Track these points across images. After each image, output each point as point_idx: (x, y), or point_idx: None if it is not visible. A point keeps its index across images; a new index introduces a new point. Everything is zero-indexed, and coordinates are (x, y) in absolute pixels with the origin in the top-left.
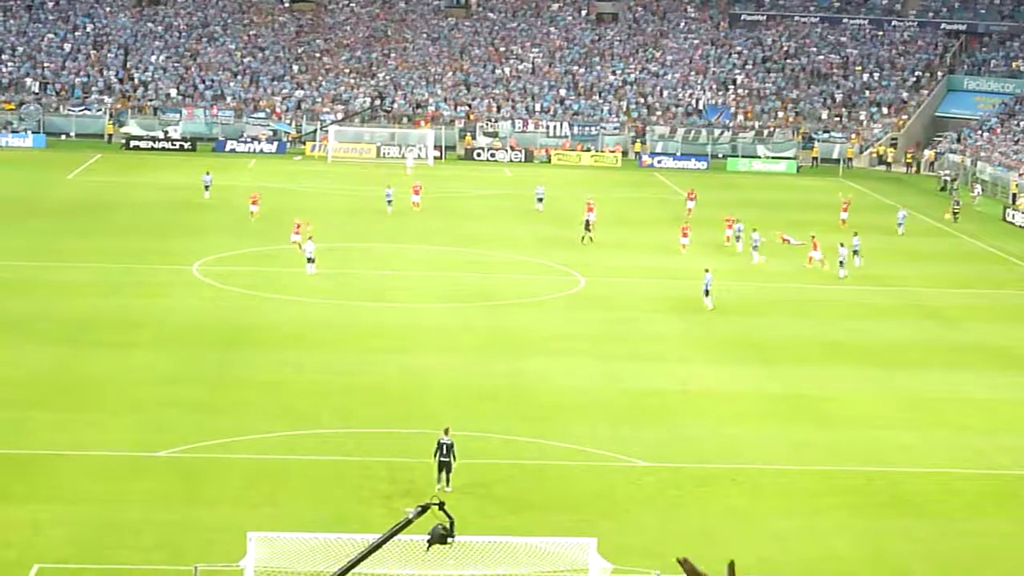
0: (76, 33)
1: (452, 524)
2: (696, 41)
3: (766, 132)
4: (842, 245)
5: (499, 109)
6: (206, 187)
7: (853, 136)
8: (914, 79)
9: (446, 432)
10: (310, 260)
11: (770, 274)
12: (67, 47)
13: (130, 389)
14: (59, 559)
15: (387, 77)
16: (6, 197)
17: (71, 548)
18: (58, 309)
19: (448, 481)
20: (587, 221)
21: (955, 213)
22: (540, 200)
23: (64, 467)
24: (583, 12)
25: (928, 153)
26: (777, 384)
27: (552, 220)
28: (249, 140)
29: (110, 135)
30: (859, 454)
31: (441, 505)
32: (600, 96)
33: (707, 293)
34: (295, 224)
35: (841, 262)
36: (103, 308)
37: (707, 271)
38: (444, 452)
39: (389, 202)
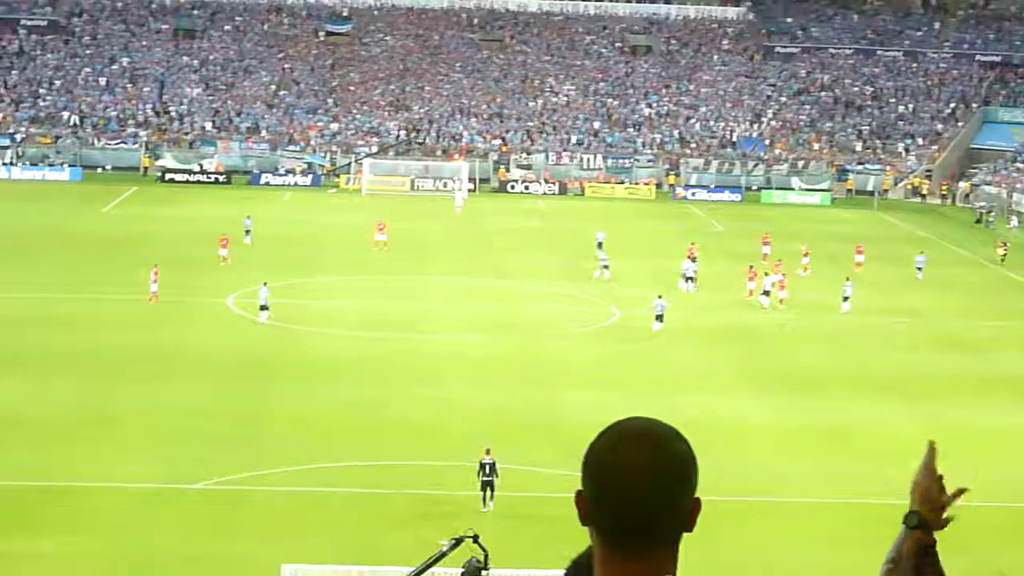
0: (112, 67)
1: (486, 557)
2: (730, 73)
3: (800, 164)
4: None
5: (533, 141)
6: (247, 231)
7: (888, 168)
8: (949, 111)
9: (487, 452)
10: (263, 308)
11: (800, 305)
12: (103, 81)
13: (162, 421)
14: None
15: (421, 110)
16: (42, 230)
17: None
18: (92, 341)
19: (490, 499)
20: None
21: (1003, 255)
22: (600, 245)
23: (96, 499)
24: (617, 44)
25: (963, 185)
26: (811, 415)
27: (586, 252)
28: (284, 173)
29: (146, 168)
30: (894, 486)
31: (475, 538)
32: (634, 128)
33: (659, 319)
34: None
35: (846, 298)
36: (137, 340)
37: (660, 296)
38: (487, 472)
39: (247, 232)
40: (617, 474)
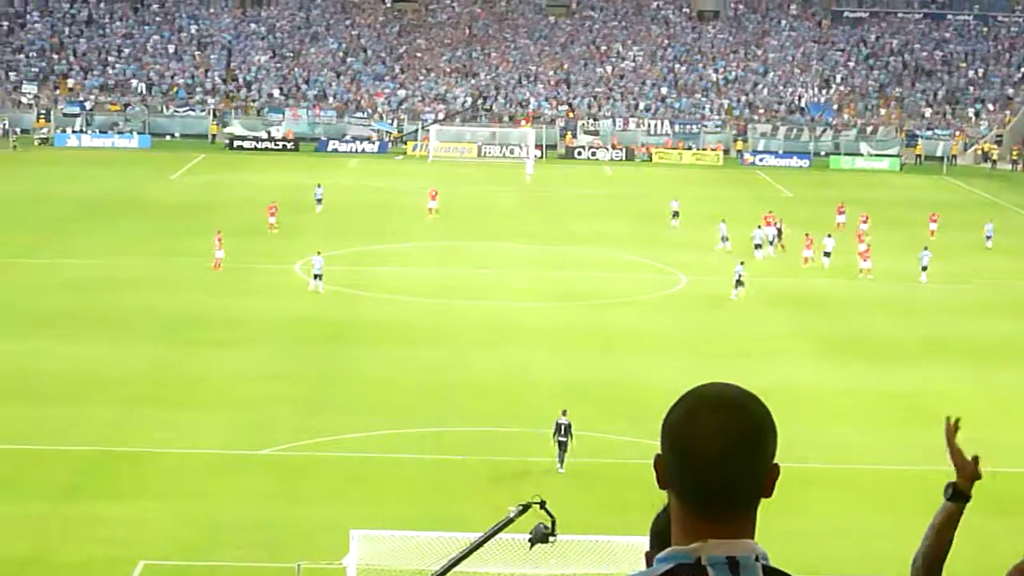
0: (180, 35)
1: (554, 523)
2: (798, 38)
3: (869, 130)
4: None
5: (600, 108)
6: (318, 200)
7: (957, 133)
8: (1020, 75)
9: (564, 413)
10: (317, 276)
11: (872, 272)
12: (172, 48)
13: (233, 387)
14: (163, 556)
15: (488, 76)
16: (112, 197)
17: (175, 545)
18: (163, 307)
19: (563, 461)
20: (779, 230)
21: None
22: (676, 215)
23: (169, 464)
24: (684, 10)
25: None
26: (880, 382)
27: (653, 219)
28: (351, 140)
29: (214, 135)
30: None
31: (543, 504)
32: (701, 94)
33: (739, 283)
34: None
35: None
36: (207, 306)
37: (741, 262)
38: (562, 432)
39: (319, 200)
40: (696, 440)
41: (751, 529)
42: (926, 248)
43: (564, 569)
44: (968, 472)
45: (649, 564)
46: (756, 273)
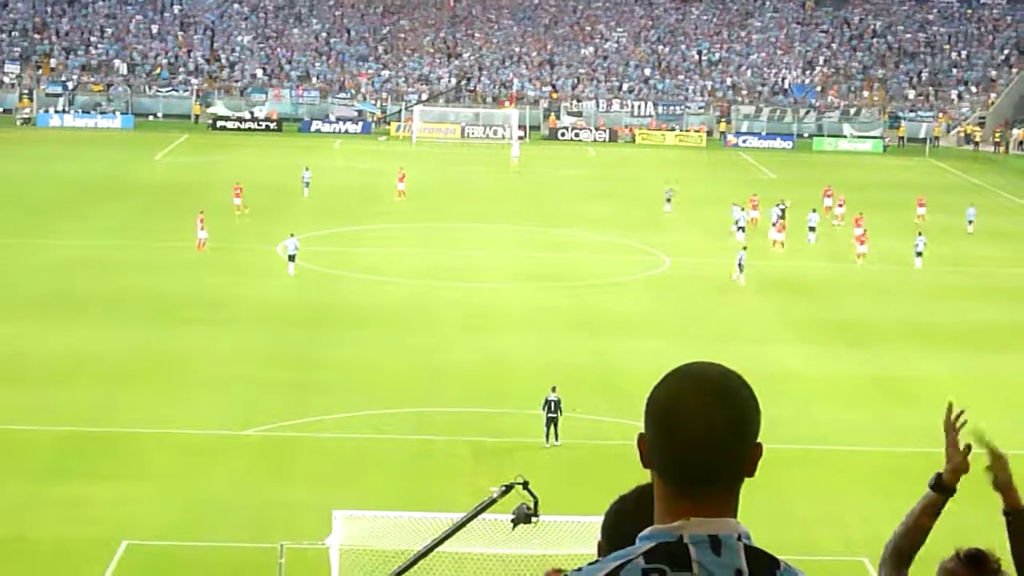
0: (164, 15)
1: (536, 504)
2: (782, 20)
3: (852, 111)
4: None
5: (584, 89)
6: (306, 184)
7: (940, 115)
8: (1003, 57)
9: (553, 390)
10: (291, 258)
11: (847, 254)
12: (155, 28)
13: (217, 368)
14: (147, 536)
15: (471, 57)
16: (95, 177)
17: (158, 525)
18: (147, 288)
19: (557, 435)
20: (783, 211)
21: None
22: (669, 201)
23: (152, 445)
24: None
25: (1017, 132)
26: (863, 365)
27: (636, 201)
28: (335, 120)
29: (197, 116)
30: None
31: (525, 484)
32: (685, 75)
33: (740, 268)
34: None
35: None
36: (190, 287)
37: (744, 248)
38: (552, 408)
39: (306, 184)
40: (680, 419)
41: (734, 508)
42: (920, 234)
43: (546, 549)
44: (956, 465)
45: (600, 555)
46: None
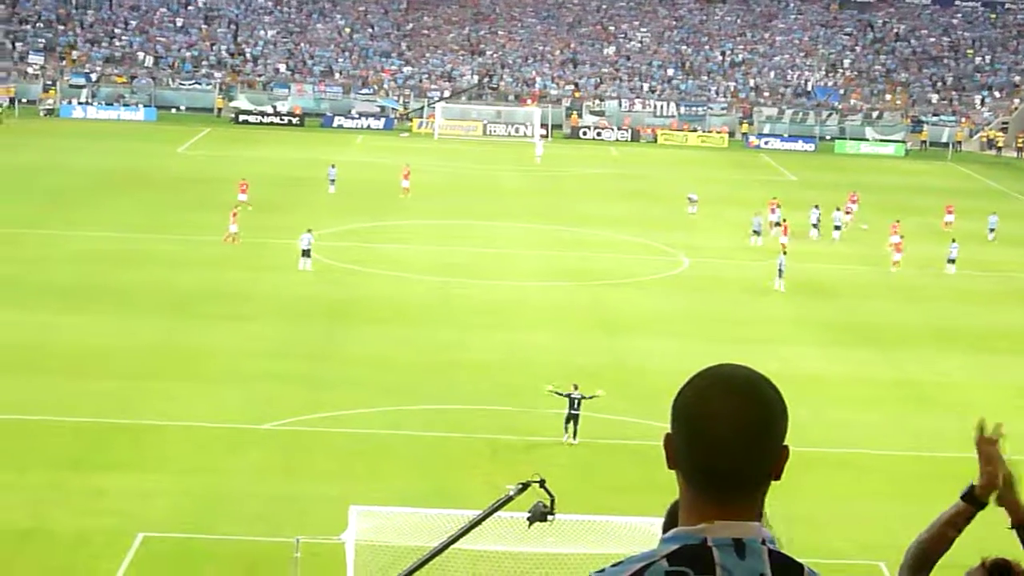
0: (188, 8)
1: (553, 502)
2: (806, 22)
3: (875, 115)
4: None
5: (606, 88)
6: (331, 180)
7: (963, 120)
8: None
9: (575, 387)
10: (305, 253)
11: (871, 257)
12: (179, 22)
13: (237, 361)
14: (163, 528)
15: (494, 54)
16: (118, 170)
17: (175, 518)
18: (167, 281)
19: (575, 434)
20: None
21: None
22: (693, 202)
23: (170, 438)
24: None
25: None
26: (885, 368)
27: (657, 201)
28: (357, 116)
29: (219, 109)
30: (968, 441)
31: (542, 483)
32: (708, 76)
33: (780, 274)
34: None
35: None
36: (211, 281)
37: (784, 252)
38: (575, 406)
39: (332, 181)
40: (707, 422)
41: (759, 512)
42: (953, 240)
43: (562, 548)
44: (990, 480)
45: None
46: (754, 258)
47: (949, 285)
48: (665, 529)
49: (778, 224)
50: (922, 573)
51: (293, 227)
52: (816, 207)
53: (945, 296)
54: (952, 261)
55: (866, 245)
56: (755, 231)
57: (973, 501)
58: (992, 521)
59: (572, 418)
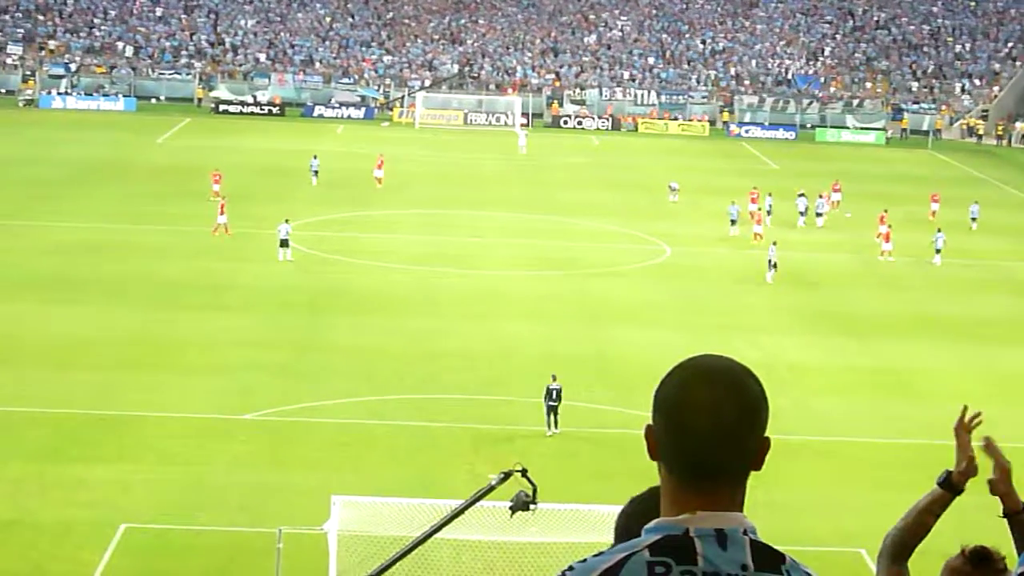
0: None
1: (535, 491)
2: (786, 10)
3: (855, 102)
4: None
5: (587, 77)
6: (314, 172)
7: (943, 108)
8: (1007, 51)
9: (554, 378)
10: (283, 244)
11: (852, 245)
12: (159, 11)
13: (217, 352)
14: (145, 519)
15: (475, 43)
16: (98, 160)
17: (157, 508)
18: (147, 272)
19: (556, 424)
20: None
21: None
22: (674, 190)
23: (152, 428)
24: None
25: (1019, 126)
26: (865, 357)
27: (638, 189)
28: (337, 105)
29: (199, 99)
30: (948, 428)
31: (524, 472)
32: (689, 65)
33: (772, 265)
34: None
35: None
36: (191, 271)
37: (774, 243)
38: (553, 397)
39: (315, 172)
40: (689, 412)
41: (740, 502)
42: (939, 230)
43: (545, 537)
44: (966, 467)
45: None
46: (736, 246)
47: (931, 274)
48: (617, 532)
49: (752, 215)
50: (901, 560)
51: (274, 217)
52: (802, 195)
53: (927, 285)
54: (938, 251)
55: (848, 233)
56: (732, 220)
57: (950, 488)
58: (972, 508)
59: (551, 410)
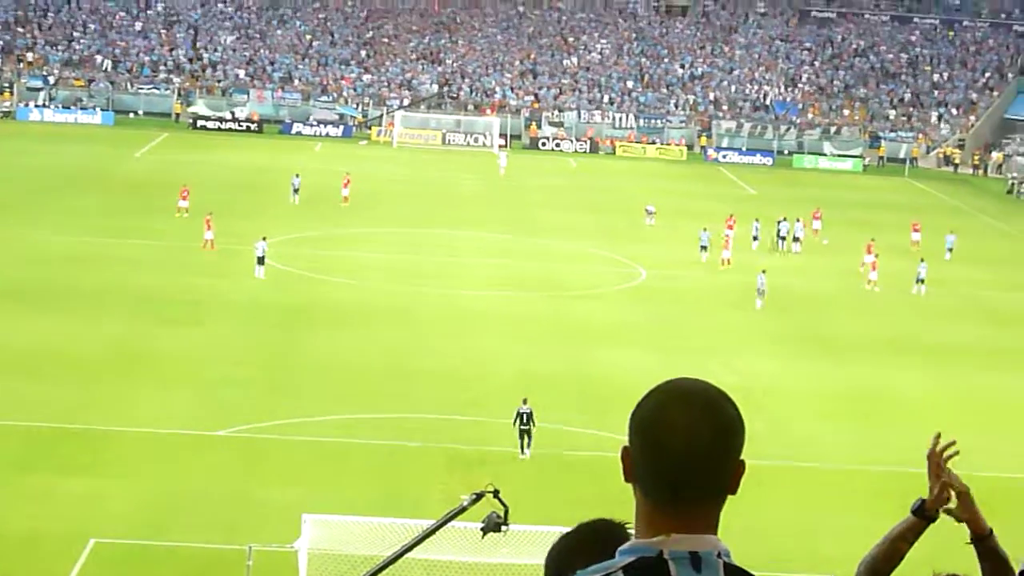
0: (148, 12)
1: (507, 512)
2: (765, 36)
3: (833, 129)
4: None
5: (565, 99)
6: (295, 190)
7: (920, 136)
8: (984, 80)
9: (524, 402)
10: (260, 261)
11: (832, 272)
12: (138, 26)
13: (192, 367)
14: (115, 534)
15: (454, 64)
16: (75, 173)
17: (128, 523)
18: (123, 286)
19: (527, 446)
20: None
21: None
22: (651, 214)
23: (125, 443)
24: (653, 4)
25: (996, 155)
26: (841, 382)
27: (614, 212)
28: (316, 123)
29: (178, 114)
30: (923, 455)
31: (496, 493)
32: (667, 89)
33: (761, 294)
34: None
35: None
36: (167, 285)
37: (763, 272)
38: (524, 421)
39: (296, 190)
40: (666, 435)
41: (715, 525)
42: (922, 260)
43: (516, 559)
44: (939, 496)
45: None
46: (711, 270)
47: (907, 301)
48: (547, 569)
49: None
50: None
51: (251, 233)
52: (783, 219)
53: (903, 311)
54: (921, 281)
55: (825, 258)
56: (703, 247)
57: (924, 515)
58: (945, 534)
59: (523, 433)
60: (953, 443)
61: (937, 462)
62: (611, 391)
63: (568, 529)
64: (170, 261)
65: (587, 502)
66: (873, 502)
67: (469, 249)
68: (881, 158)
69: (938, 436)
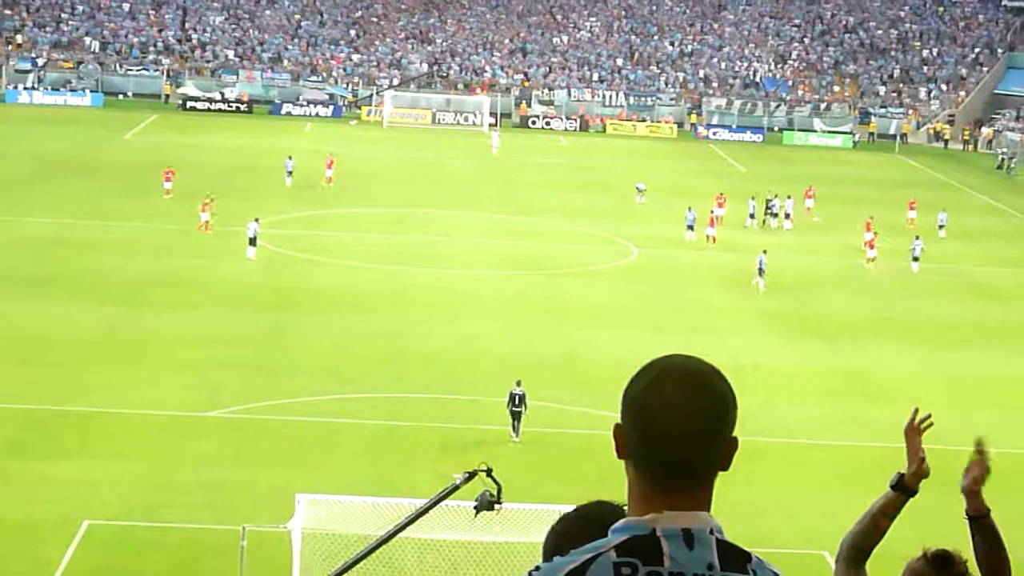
0: None
1: (500, 491)
2: (755, 13)
3: (823, 106)
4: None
5: (555, 77)
6: (288, 172)
7: (910, 112)
8: (974, 56)
9: (518, 384)
10: (252, 242)
11: (823, 249)
12: (127, 7)
13: (183, 349)
14: (109, 516)
15: (444, 43)
16: (64, 156)
17: (121, 505)
18: (113, 268)
19: (518, 431)
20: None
21: None
22: (641, 192)
23: (116, 425)
24: None
25: (986, 131)
26: (830, 360)
27: (606, 190)
28: (305, 103)
29: (167, 95)
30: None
31: (489, 472)
32: (657, 66)
33: (761, 272)
34: (202, 203)
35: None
36: (158, 268)
37: (764, 252)
38: (516, 403)
39: (289, 173)
40: (658, 412)
41: (707, 502)
42: (917, 238)
43: (509, 537)
44: (918, 469)
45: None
46: (702, 247)
47: (902, 279)
48: (545, 551)
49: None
50: (858, 563)
51: (242, 215)
52: (775, 196)
53: (895, 289)
54: (916, 259)
55: (817, 236)
56: (689, 226)
57: (902, 490)
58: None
59: (515, 415)
60: (929, 416)
61: (915, 436)
62: (603, 369)
63: (565, 509)
64: (162, 243)
65: (580, 480)
66: (862, 479)
67: (460, 229)
68: (871, 134)
69: (916, 411)
